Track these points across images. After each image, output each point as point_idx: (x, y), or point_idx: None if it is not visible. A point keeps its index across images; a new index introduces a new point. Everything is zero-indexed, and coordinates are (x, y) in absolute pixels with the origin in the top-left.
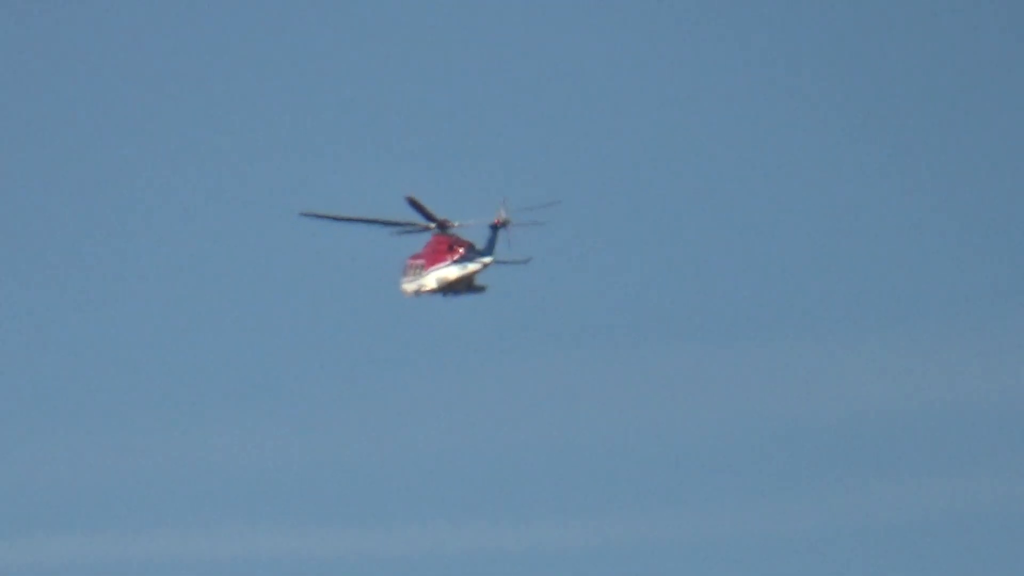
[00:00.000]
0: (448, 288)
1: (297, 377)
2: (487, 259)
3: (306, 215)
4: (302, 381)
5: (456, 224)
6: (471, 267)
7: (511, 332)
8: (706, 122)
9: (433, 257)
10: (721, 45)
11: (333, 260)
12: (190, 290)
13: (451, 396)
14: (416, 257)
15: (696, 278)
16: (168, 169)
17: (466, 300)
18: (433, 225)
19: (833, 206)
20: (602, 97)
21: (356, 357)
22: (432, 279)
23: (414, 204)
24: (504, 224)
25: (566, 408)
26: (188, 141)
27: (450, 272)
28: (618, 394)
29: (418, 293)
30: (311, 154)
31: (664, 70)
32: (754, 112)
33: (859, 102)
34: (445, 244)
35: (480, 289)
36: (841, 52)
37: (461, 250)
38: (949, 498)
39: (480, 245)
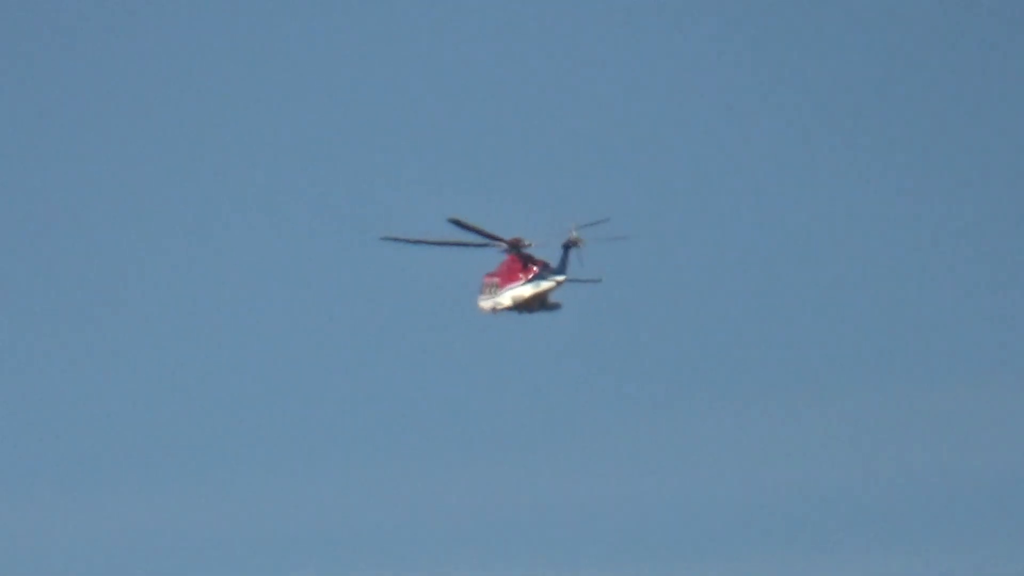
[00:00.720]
0: (523, 306)
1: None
2: (560, 278)
3: (387, 239)
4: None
5: (529, 243)
6: (544, 285)
7: (585, 349)
8: (776, 141)
9: (508, 276)
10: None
11: (414, 281)
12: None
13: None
14: (492, 275)
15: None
16: (229, 202)
17: (541, 317)
18: (506, 244)
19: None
20: (677, 121)
21: (439, 371)
22: (507, 297)
23: (459, 224)
24: (575, 243)
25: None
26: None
27: (524, 290)
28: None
29: (495, 310)
30: (375, 178)
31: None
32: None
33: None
34: (519, 263)
35: (554, 307)
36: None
37: (535, 269)
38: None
39: (553, 264)
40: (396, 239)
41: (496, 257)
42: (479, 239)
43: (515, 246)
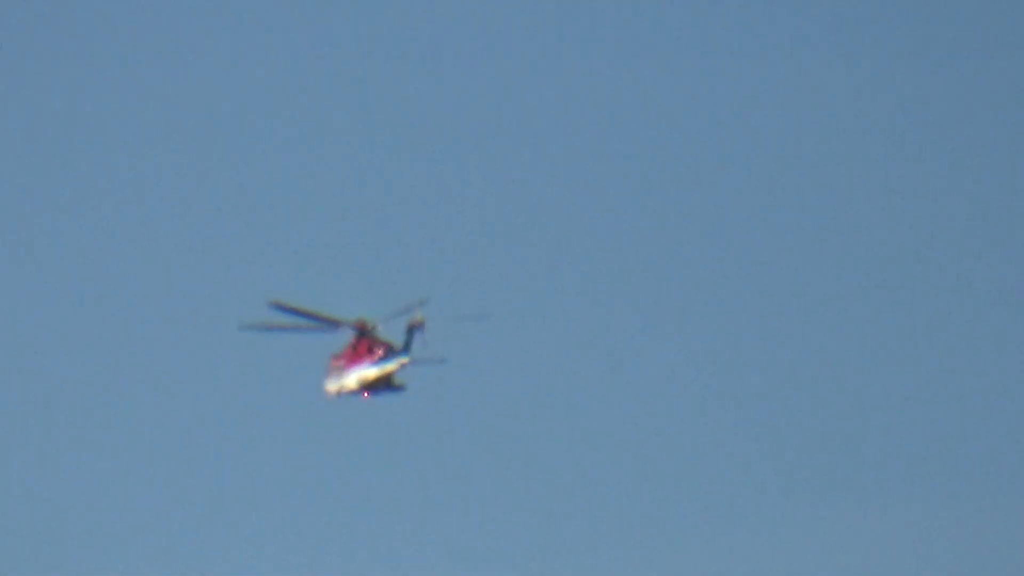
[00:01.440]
0: (369, 387)
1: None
2: (404, 359)
3: (244, 327)
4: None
5: (374, 326)
6: (389, 367)
7: (430, 428)
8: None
9: (353, 357)
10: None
11: (264, 367)
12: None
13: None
14: (338, 358)
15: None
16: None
17: (385, 398)
18: (351, 327)
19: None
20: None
21: (286, 458)
22: (353, 379)
23: (282, 307)
24: (419, 325)
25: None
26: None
27: (369, 372)
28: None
29: (340, 392)
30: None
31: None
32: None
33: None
34: (365, 345)
35: (399, 387)
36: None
37: (379, 351)
38: None
39: (398, 345)
40: (254, 326)
41: (341, 339)
42: (320, 323)
43: (360, 328)
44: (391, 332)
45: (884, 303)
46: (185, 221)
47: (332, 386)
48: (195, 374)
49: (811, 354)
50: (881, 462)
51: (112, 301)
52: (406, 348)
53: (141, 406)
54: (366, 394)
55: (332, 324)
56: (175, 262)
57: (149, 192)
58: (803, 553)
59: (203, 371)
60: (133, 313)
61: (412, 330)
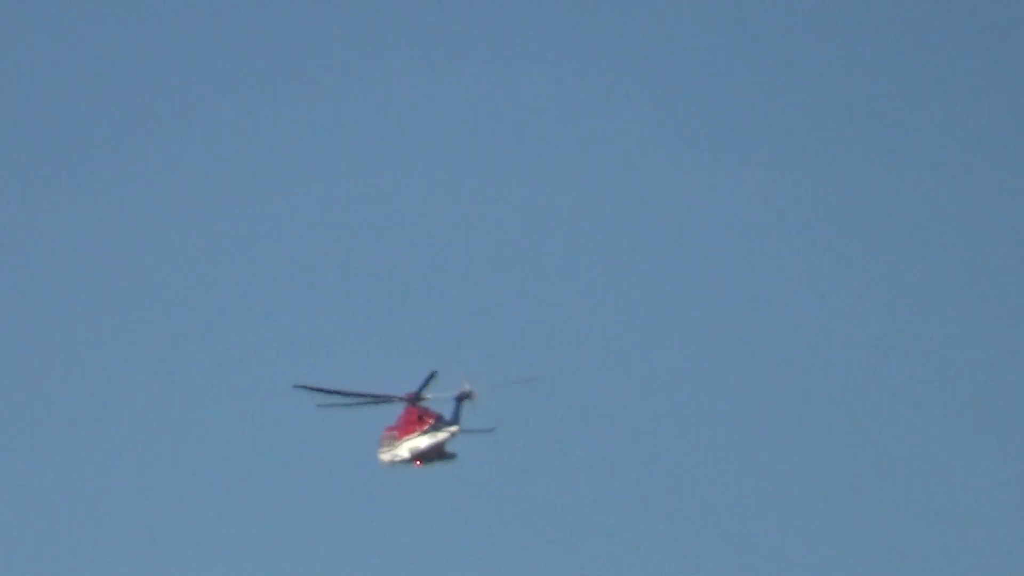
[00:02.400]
0: (420, 456)
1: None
2: (453, 428)
3: (299, 387)
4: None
5: (426, 396)
6: (440, 436)
7: (481, 496)
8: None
9: (405, 428)
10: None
11: (319, 434)
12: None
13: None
14: (391, 428)
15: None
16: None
17: (438, 468)
18: (402, 398)
19: None
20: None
21: (343, 525)
22: (405, 448)
23: (326, 392)
24: (468, 396)
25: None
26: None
27: (421, 442)
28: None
29: (393, 462)
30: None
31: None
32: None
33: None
34: (415, 415)
35: (450, 456)
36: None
37: (430, 421)
38: None
39: (447, 416)
40: (310, 387)
41: (394, 411)
42: (371, 399)
43: (411, 399)
44: (440, 404)
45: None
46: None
47: (385, 455)
48: (250, 437)
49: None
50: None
51: (170, 366)
52: (455, 418)
53: (201, 472)
54: (418, 463)
55: (382, 398)
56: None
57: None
58: None
59: (254, 441)
60: (191, 383)
61: (461, 400)
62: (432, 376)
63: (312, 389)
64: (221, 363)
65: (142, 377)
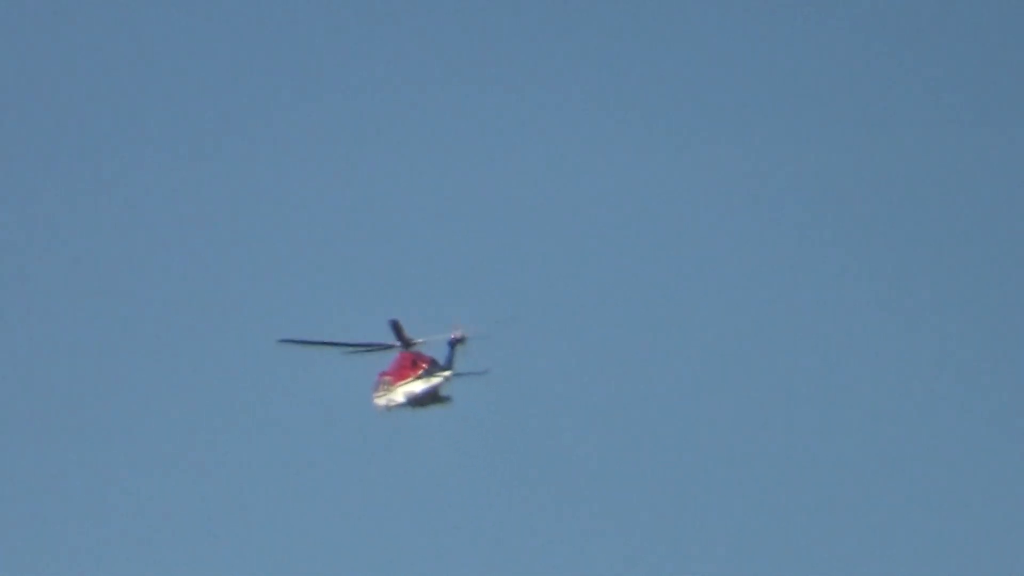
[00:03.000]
0: (416, 401)
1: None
2: (447, 372)
3: (284, 341)
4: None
5: (419, 341)
6: (434, 380)
7: (477, 438)
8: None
9: (399, 373)
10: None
11: (311, 382)
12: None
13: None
14: (384, 374)
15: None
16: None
17: (433, 411)
18: (398, 344)
19: None
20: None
21: (340, 469)
22: (400, 393)
23: (396, 328)
24: (460, 340)
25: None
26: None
27: (415, 386)
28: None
29: (388, 407)
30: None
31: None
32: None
33: None
34: (409, 360)
35: (445, 400)
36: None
37: (424, 366)
38: None
39: (441, 360)
40: (294, 340)
41: (388, 356)
42: (389, 341)
43: (405, 345)
44: (433, 348)
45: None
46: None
47: (381, 400)
48: (247, 387)
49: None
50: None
51: (163, 320)
52: (449, 363)
53: (194, 420)
54: (413, 408)
55: (376, 345)
56: (218, 284)
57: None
58: None
59: (252, 383)
60: (182, 331)
61: (454, 345)
62: (396, 326)
63: (298, 343)
64: (214, 319)
65: (133, 335)
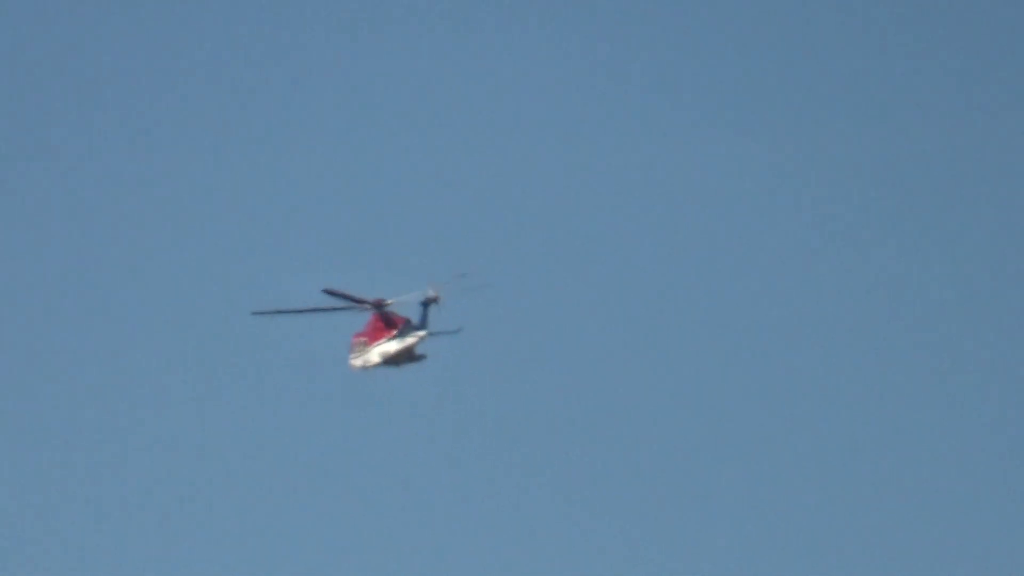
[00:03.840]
0: (391, 360)
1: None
2: (422, 332)
3: (257, 314)
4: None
5: (390, 302)
6: (409, 340)
7: (451, 396)
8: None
9: (374, 334)
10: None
11: (287, 350)
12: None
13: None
14: (359, 335)
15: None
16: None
17: (408, 369)
18: (370, 305)
19: None
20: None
21: (320, 430)
22: (376, 354)
23: (333, 294)
24: (433, 300)
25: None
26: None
27: (390, 347)
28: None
29: (365, 367)
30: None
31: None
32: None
33: None
34: (383, 321)
35: (420, 358)
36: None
37: (399, 326)
38: None
39: (415, 320)
40: (266, 312)
41: (362, 318)
42: (345, 304)
43: (378, 306)
44: (406, 308)
45: None
46: (194, 217)
47: (357, 361)
48: (226, 359)
49: None
50: None
51: (138, 295)
52: (423, 322)
53: (176, 391)
54: (388, 367)
55: (349, 304)
56: (184, 257)
57: (162, 187)
58: None
59: (230, 355)
60: (157, 306)
61: (427, 305)
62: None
63: (271, 313)
64: (186, 283)
65: (112, 297)
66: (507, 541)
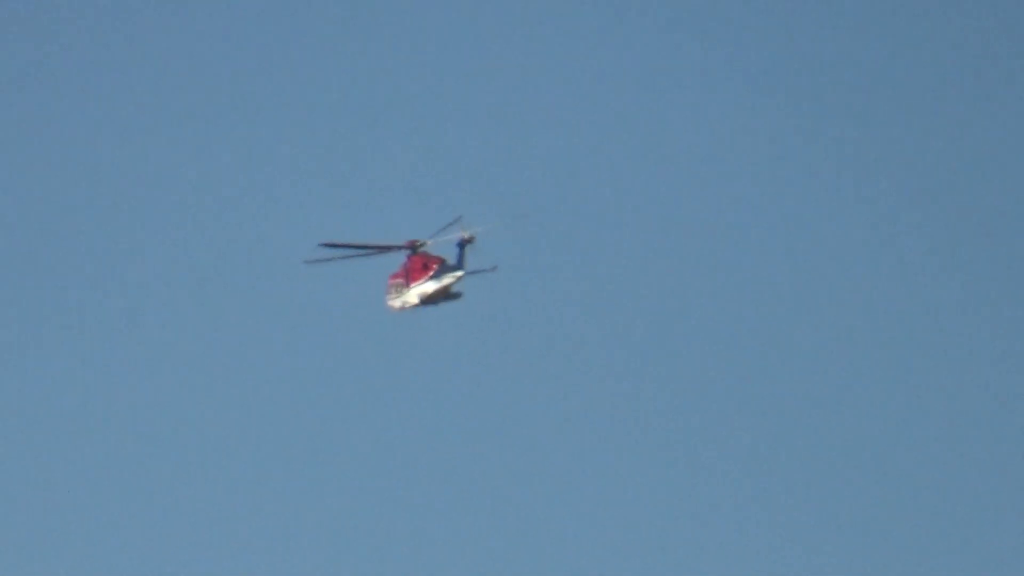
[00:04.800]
0: (428, 300)
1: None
2: (459, 272)
3: (320, 252)
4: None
5: (424, 243)
6: (447, 280)
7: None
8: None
9: (411, 275)
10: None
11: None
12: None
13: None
14: (396, 276)
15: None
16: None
17: (446, 307)
18: (406, 247)
19: None
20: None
21: (363, 369)
22: (414, 295)
23: (332, 246)
24: (469, 240)
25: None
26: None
27: (428, 287)
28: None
29: (403, 308)
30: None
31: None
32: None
33: None
34: (420, 263)
35: (456, 296)
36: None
37: (435, 266)
38: None
39: (451, 260)
40: (319, 259)
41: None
42: (374, 250)
43: (413, 247)
44: (441, 249)
45: None
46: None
47: (395, 302)
48: (274, 305)
49: None
50: None
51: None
52: (460, 263)
53: (230, 336)
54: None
55: (385, 248)
56: (230, 205)
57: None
58: None
59: (277, 302)
60: (210, 256)
61: (463, 245)
62: (456, 221)
63: (331, 246)
64: (219, 235)
65: (156, 252)
66: (542, 479)
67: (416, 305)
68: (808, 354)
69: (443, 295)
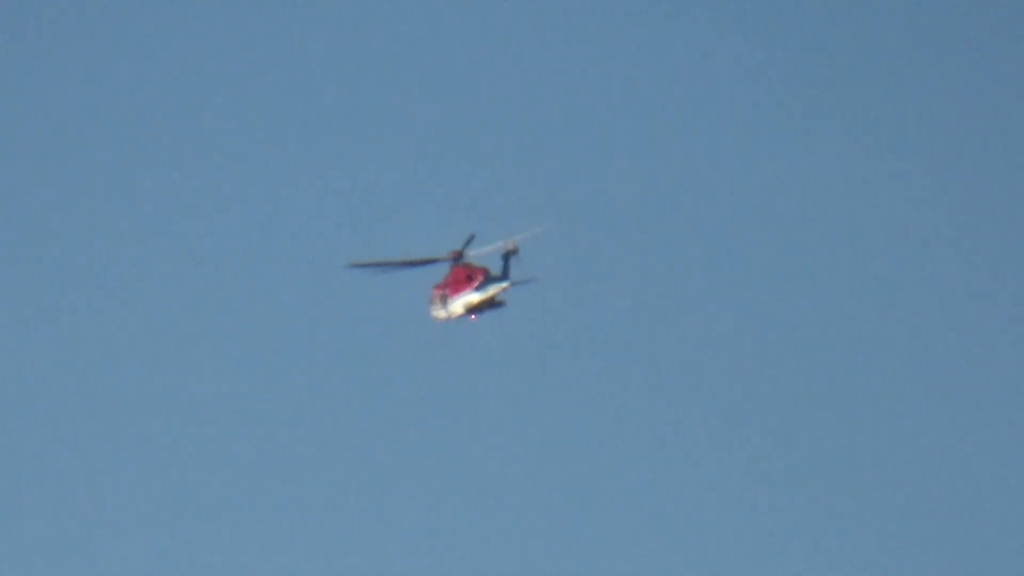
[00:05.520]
0: (473, 310)
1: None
2: (504, 284)
3: (354, 265)
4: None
5: (468, 254)
6: (491, 290)
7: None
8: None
9: (455, 286)
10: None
11: (371, 304)
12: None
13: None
14: (440, 287)
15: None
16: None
17: (491, 315)
18: (448, 258)
19: None
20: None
21: (409, 377)
22: (459, 305)
23: (361, 266)
24: (514, 251)
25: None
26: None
27: (474, 298)
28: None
29: (448, 318)
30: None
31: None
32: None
33: None
34: (463, 274)
35: (500, 304)
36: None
37: (480, 277)
38: None
39: (495, 271)
40: (362, 264)
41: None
42: (415, 264)
43: (455, 259)
44: (483, 259)
45: None
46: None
47: (440, 313)
48: (317, 316)
49: None
50: None
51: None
52: (505, 274)
53: (278, 348)
54: (472, 316)
55: (425, 262)
56: (271, 213)
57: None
58: None
59: (320, 313)
60: (255, 264)
61: (508, 256)
62: (472, 238)
63: (363, 266)
64: (266, 242)
65: (192, 260)
66: (589, 483)
67: (460, 316)
68: (862, 368)
69: (487, 304)
